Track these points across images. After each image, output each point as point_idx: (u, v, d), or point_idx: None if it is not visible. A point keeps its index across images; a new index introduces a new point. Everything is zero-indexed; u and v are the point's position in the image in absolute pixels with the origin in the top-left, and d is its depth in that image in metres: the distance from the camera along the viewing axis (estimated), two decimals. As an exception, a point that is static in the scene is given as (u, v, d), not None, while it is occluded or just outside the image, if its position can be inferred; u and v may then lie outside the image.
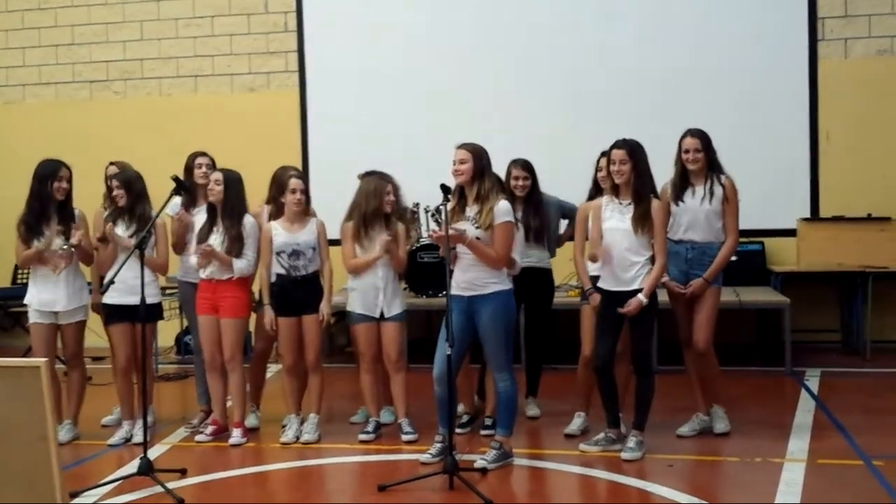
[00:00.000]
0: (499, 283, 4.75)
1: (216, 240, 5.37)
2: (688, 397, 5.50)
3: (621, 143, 4.90)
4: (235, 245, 5.38)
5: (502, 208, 4.69)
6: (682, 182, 5.16)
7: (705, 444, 5.12)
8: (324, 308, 5.45)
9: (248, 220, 5.45)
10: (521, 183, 5.58)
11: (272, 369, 6.47)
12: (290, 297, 5.43)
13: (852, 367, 7.27)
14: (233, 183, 5.44)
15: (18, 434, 3.17)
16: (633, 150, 4.86)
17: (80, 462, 5.18)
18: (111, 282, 4.92)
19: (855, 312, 7.77)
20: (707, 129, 5.19)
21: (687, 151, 5.11)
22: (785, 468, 4.64)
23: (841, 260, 7.62)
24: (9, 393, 3.18)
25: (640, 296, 4.81)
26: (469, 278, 4.73)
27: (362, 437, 5.34)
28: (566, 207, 5.87)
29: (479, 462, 4.73)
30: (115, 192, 5.52)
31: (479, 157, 4.71)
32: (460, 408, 5.60)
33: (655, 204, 4.89)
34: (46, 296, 5.41)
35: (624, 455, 4.87)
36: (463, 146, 4.77)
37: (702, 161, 5.09)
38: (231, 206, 5.41)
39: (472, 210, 4.73)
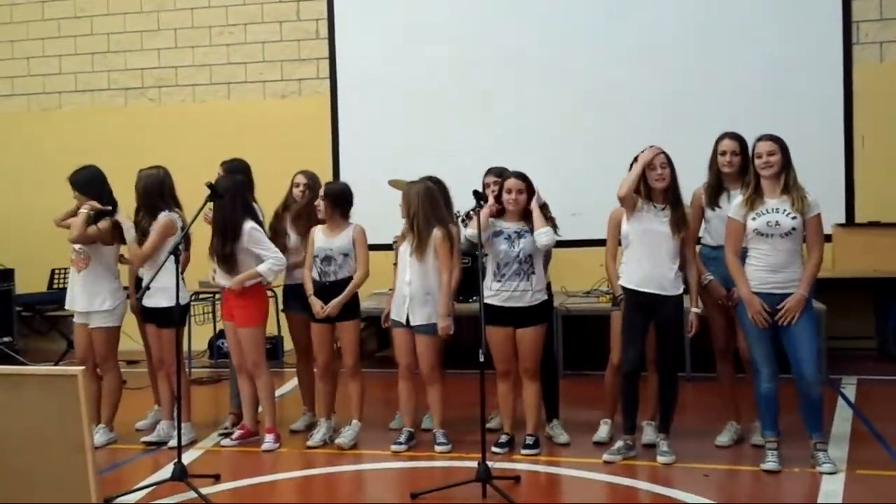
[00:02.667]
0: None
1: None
2: (719, 407, 5.43)
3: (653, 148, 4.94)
4: (229, 264, 5.29)
5: (814, 200, 4.68)
6: (717, 187, 5.09)
7: (741, 454, 5.06)
8: (330, 306, 5.34)
9: (246, 227, 5.28)
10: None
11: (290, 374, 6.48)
12: (324, 303, 5.44)
13: (889, 374, 7.15)
14: (223, 193, 5.20)
15: (55, 442, 3.20)
16: (667, 159, 4.90)
17: (115, 466, 5.23)
18: (147, 287, 4.99)
19: (891, 319, 7.66)
20: (740, 133, 5.12)
21: (724, 153, 5.04)
22: (824, 478, 4.56)
23: (877, 266, 7.52)
24: (45, 401, 3.21)
25: (694, 309, 4.92)
26: (782, 278, 4.66)
27: (395, 447, 5.30)
28: None
29: (824, 468, 4.61)
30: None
31: (785, 149, 4.68)
32: (493, 422, 5.51)
33: (687, 210, 4.94)
34: (70, 295, 5.58)
35: (662, 459, 4.88)
36: (768, 138, 4.68)
37: (737, 165, 5.01)
38: (219, 220, 5.29)
39: (780, 201, 4.65)
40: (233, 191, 5.33)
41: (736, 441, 5.21)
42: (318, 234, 5.47)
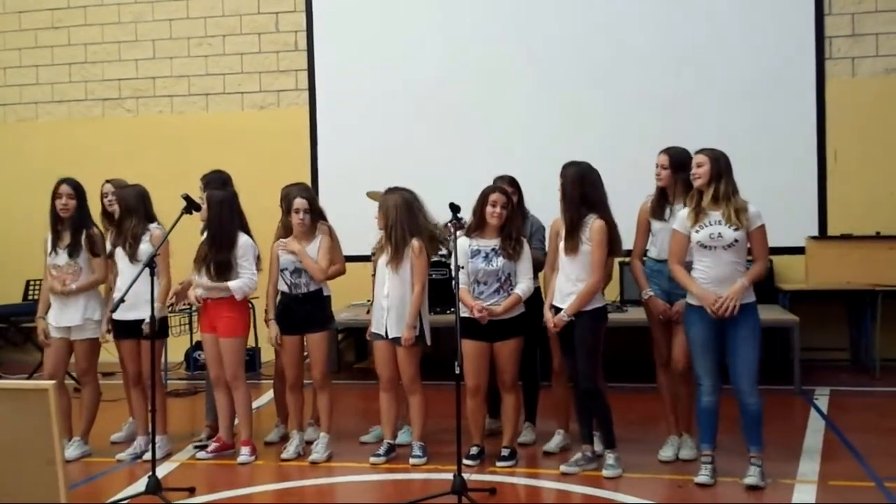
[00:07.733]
0: (753, 294, 4.70)
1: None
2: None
3: (565, 164, 4.98)
4: (222, 272, 5.29)
5: (756, 212, 4.68)
6: (660, 200, 5.14)
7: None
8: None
9: (241, 240, 5.36)
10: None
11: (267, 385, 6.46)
12: (293, 315, 5.44)
13: (862, 385, 7.23)
14: (215, 205, 5.34)
15: (25, 457, 3.16)
16: (563, 172, 4.94)
17: (89, 480, 5.19)
18: (121, 300, 4.98)
19: (864, 331, 7.74)
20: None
21: (655, 166, 5.12)
22: (796, 490, 4.61)
23: (849, 278, 7.61)
24: (16, 415, 3.17)
25: (562, 313, 4.85)
26: (726, 291, 4.61)
27: (373, 459, 5.29)
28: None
29: (748, 480, 4.60)
30: (108, 200, 5.73)
31: (717, 161, 4.67)
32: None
33: (596, 224, 4.85)
34: (59, 312, 5.48)
35: (606, 473, 4.86)
36: (701, 151, 4.73)
37: (665, 178, 5.06)
38: (214, 229, 5.35)
39: (716, 212, 4.65)
40: (228, 201, 5.40)
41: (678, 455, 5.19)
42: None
